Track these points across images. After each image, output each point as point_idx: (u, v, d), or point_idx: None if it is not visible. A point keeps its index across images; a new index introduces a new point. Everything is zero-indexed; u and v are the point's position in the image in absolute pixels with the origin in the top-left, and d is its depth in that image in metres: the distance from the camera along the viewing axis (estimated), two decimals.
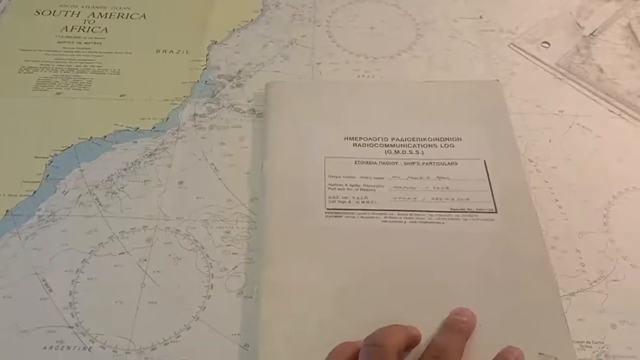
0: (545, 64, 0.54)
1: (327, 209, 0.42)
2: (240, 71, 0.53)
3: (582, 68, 0.54)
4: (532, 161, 0.47)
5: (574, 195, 0.45)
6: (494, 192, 0.43)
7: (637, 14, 0.58)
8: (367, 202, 0.43)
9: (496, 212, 0.42)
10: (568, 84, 0.53)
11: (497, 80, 0.51)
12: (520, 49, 0.55)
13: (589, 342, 0.38)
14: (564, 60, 0.54)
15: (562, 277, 0.41)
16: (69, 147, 0.47)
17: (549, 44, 0.56)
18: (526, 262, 0.40)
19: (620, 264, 0.42)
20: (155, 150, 0.47)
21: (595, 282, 0.41)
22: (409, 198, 0.43)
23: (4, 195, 0.44)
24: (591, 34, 0.56)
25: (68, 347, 0.37)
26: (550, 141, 0.48)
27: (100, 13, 0.58)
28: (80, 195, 0.44)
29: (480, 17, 0.58)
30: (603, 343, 0.38)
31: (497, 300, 0.39)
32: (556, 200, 0.45)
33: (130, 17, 0.58)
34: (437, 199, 0.43)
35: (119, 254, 0.41)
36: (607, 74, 0.53)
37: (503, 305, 0.38)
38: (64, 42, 0.55)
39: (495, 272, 0.40)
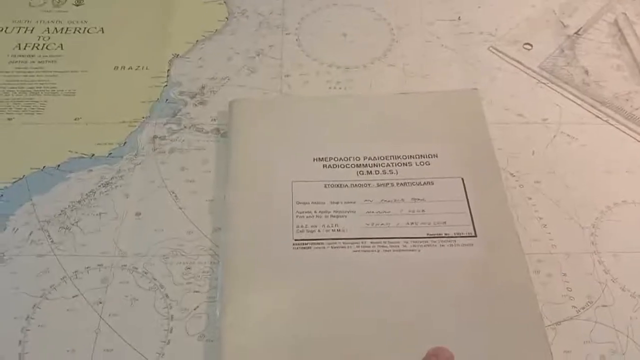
0: (528, 68, 0.51)
1: (295, 239, 0.40)
2: (203, 87, 0.50)
3: (566, 71, 0.50)
4: (513, 175, 0.44)
5: (559, 212, 0.42)
6: (472, 214, 0.41)
7: (624, 9, 0.55)
8: (338, 230, 0.40)
9: (475, 236, 0.40)
10: (552, 89, 0.50)
11: (476, 88, 0.48)
12: (501, 52, 0.52)
13: None
14: (548, 62, 0.51)
15: (547, 304, 0.38)
16: (20, 179, 0.44)
17: (531, 45, 0.53)
18: (508, 291, 0.38)
19: (609, 288, 0.39)
20: (111, 178, 0.44)
21: (582, 308, 0.38)
22: (382, 224, 0.40)
23: None
24: (576, 33, 0.53)
25: None
26: (533, 153, 0.46)
27: (55, 28, 0.54)
28: (31, 232, 0.41)
29: (459, 18, 0.55)
30: None
31: (477, 333, 0.36)
32: (540, 219, 0.42)
33: (88, 31, 0.54)
34: (412, 223, 0.40)
35: (73, 296, 0.38)
36: (593, 77, 0.50)
37: (483, 338, 0.36)
38: (17, 61, 0.52)
39: (474, 303, 0.37)
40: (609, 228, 0.42)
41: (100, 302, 0.38)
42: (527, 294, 0.38)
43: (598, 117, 0.48)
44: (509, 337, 0.36)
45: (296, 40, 0.53)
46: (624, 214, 0.42)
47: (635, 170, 0.45)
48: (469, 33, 0.54)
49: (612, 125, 0.47)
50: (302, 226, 0.40)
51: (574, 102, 0.49)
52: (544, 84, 0.50)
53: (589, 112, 0.48)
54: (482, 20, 0.55)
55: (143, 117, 0.48)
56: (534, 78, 0.50)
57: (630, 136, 0.47)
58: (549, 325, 0.37)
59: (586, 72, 0.50)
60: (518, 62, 0.51)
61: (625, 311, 0.38)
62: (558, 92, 0.49)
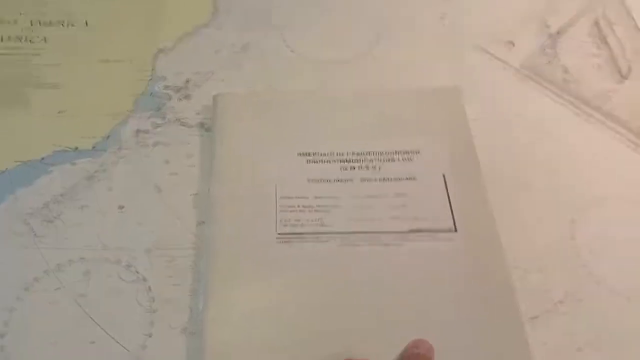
0: (510, 66, 0.52)
1: (279, 233, 0.40)
2: (188, 81, 0.50)
3: (547, 69, 0.51)
4: (494, 172, 0.45)
5: (539, 208, 0.43)
6: (453, 209, 0.41)
7: (605, 10, 0.56)
8: (322, 224, 0.40)
9: (456, 231, 0.40)
10: (533, 87, 0.50)
11: (458, 85, 0.48)
12: (484, 49, 0.53)
13: None
14: (529, 61, 0.52)
15: (526, 298, 0.39)
16: (3, 172, 0.44)
17: (513, 43, 0.53)
18: (487, 285, 0.38)
19: (586, 282, 0.40)
20: (95, 172, 0.44)
21: (560, 302, 0.39)
22: (365, 219, 0.41)
23: None
24: (557, 32, 0.54)
25: None
26: (514, 150, 0.46)
27: (39, 20, 0.54)
28: (14, 225, 0.41)
29: (443, 16, 0.55)
30: None
31: (456, 326, 0.37)
32: (520, 214, 0.43)
33: (72, 24, 0.54)
34: (395, 217, 0.41)
35: (55, 289, 0.38)
36: (573, 75, 0.51)
37: (462, 331, 0.37)
38: (1, 54, 0.51)
39: (454, 297, 0.38)
40: (588, 224, 0.42)
41: (83, 295, 0.38)
42: (505, 287, 0.38)
43: (578, 115, 0.49)
44: (487, 330, 0.37)
45: (281, 35, 0.54)
46: (603, 210, 0.43)
47: (614, 167, 0.45)
48: (453, 31, 0.54)
49: (591, 123, 0.48)
50: (286, 220, 0.40)
51: (555, 100, 0.49)
52: (525, 82, 0.51)
53: (569, 110, 0.49)
54: (467, 18, 0.55)
55: (127, 111, 0.48)
56: (515, 76, 0.51)
57: (610, 134, 0.47)
58: (527, 319, 0.38)
59: (566, 70, 0.51)
60: (500, 60, 0.52)
61: (602, 305, 0.39)
62: (539, 90, 0.50)
